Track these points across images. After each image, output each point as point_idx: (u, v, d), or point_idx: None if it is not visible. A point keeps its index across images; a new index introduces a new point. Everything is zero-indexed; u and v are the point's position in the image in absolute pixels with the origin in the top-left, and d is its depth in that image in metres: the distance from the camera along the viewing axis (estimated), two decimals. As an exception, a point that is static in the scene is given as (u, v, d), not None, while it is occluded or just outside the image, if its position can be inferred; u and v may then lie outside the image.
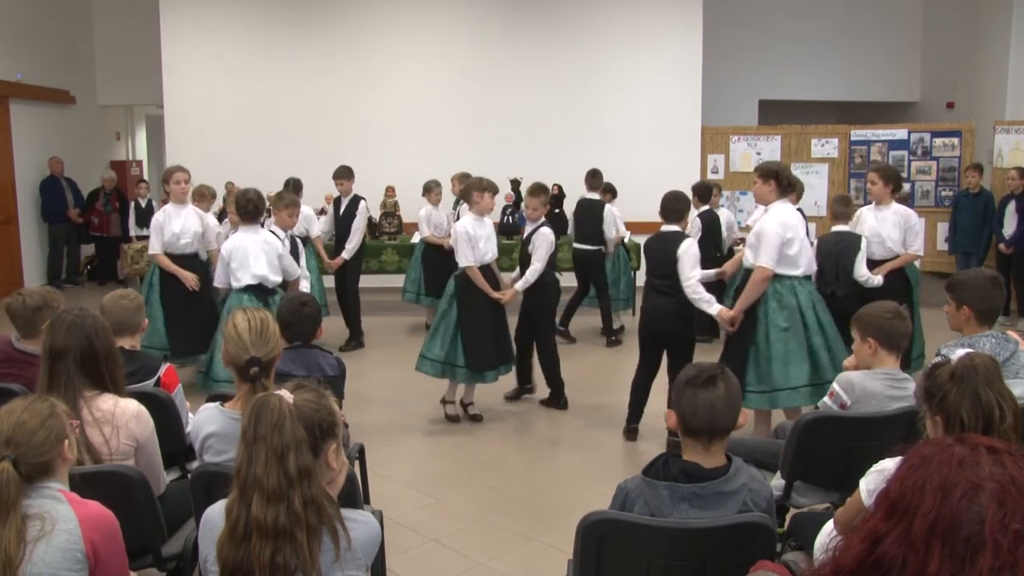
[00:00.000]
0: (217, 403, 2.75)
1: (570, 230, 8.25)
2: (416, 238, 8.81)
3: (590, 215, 7.94)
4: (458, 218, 8.17)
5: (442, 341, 5.56)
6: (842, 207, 5.76)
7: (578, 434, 5.51)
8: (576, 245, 8.05)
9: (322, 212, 8.76)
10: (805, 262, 4.78)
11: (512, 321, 5.89)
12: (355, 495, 2.58)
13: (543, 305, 5.89)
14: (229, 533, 1.83)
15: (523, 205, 5.85)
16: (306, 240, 7.41)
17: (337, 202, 8.00)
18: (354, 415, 5.59)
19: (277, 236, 5.60)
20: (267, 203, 6.15)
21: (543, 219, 5.85)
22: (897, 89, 12.62)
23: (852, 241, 5.49)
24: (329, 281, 8.12)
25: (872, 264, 5.65)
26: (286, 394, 1.91)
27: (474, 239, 5.54)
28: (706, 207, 7.65)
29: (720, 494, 2.15)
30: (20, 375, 3.33)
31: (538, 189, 5.83)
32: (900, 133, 10.58)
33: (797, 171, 10.59)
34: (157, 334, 6.12)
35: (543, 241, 5.74)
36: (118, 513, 2.11)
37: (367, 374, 6.93)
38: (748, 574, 1.93)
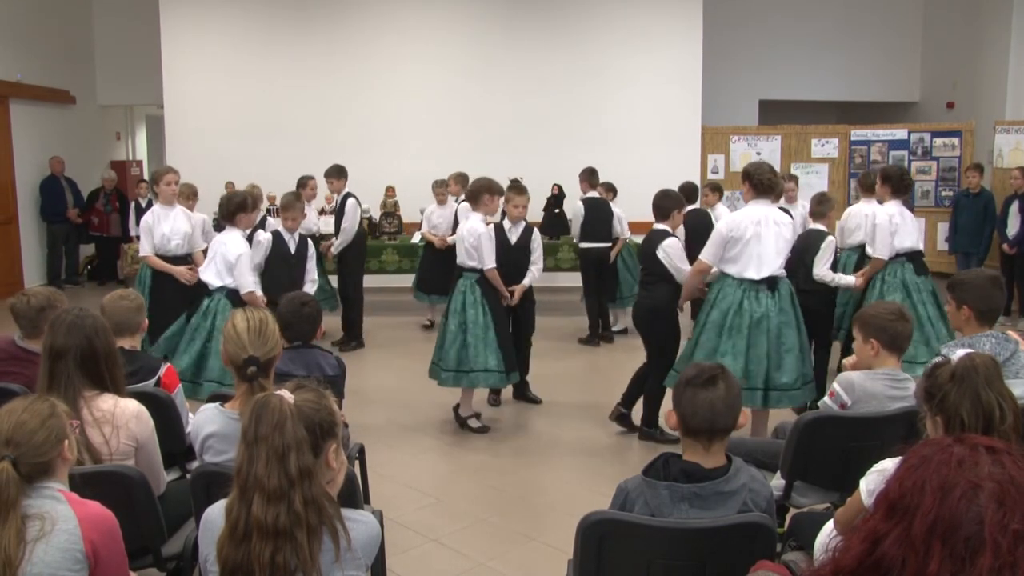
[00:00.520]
0: (217, 403, 2.75)
1: (573, 229, 8.23)
2: (416, 237, 8.83)
3: (600, 214, 7.95)
4: (456, 218, 8.19)
5: (491, 349, 5.33)
6: (816, 205, 5.79)
7: (577, 434, 5.51)
8: (586, 244, 8.01)
9: (322, 212, 8.77)
10: (756, 264, 4.73)
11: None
12: (355, 495, 2.58)
13: (531, 305, 5.91)
14: (229, 533, 1.83)
15: (508, 204, 5.68)
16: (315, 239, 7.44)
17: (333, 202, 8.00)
18: (354, 415, 5.58)
19: (281, 237, 5.62)
20: (263, 203, 6.20)
21: (524, 219, 5.80)
22: (897, 89, 12.62)
23: (815, 239, 5.48)
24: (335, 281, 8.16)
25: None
26: (286, 394, 1.91)
27: (493, 241, 5.45)
28: (692, 207, 7.73)
29: (720, 494, 2.15)
30: (23, 373, 3.34)
31: (524, 188, 5.81)
32: (900, 133, 10.59)
33: (797, 171, 10.61)
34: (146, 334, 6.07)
35: (540, 242, 5.82)
36: (118, 513, 2.11)
37: (367, 374, 6.93)
38: (748, 574, 1.93)
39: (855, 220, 6.59)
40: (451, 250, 8.21)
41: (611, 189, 8.43)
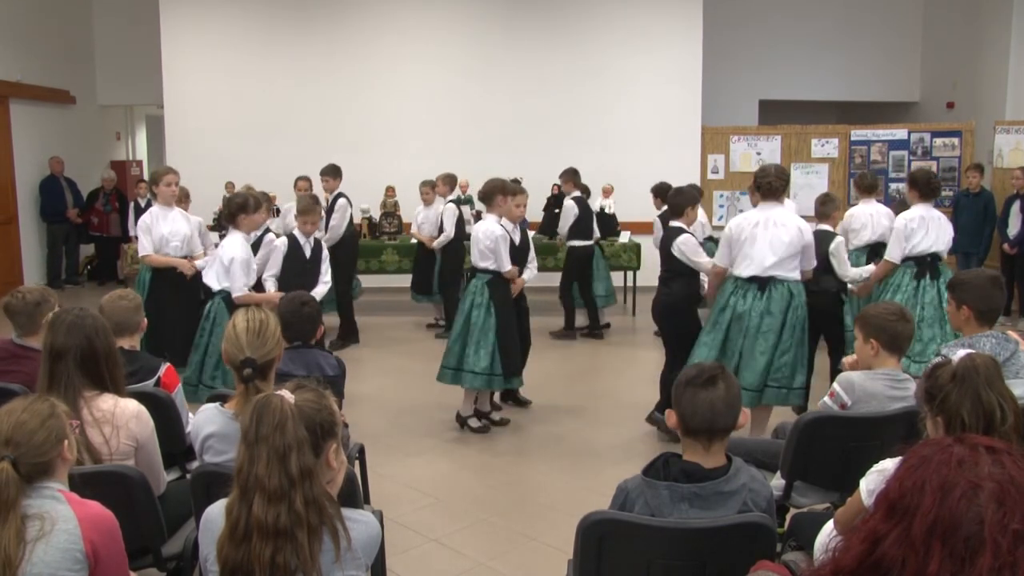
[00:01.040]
0: (217, 403, 2.75)
1: (563, 228, 8.29)
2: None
3: (587, 213, 8.24)
4: (460, 217, 8.20)
5: (485, 351, 5.35)
6: (820, 206, 5.84)
7: (578, 434, 5.51)
8: (576, 243, 8.17)
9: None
10: (747, 263, 4.82)
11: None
12: (355, 495, 2.58)
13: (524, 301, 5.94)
14: (229, 533, 1.83)
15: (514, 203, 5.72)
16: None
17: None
18: (354, 415, 5.59)
19: (297, 241, 5.61)
20: (263, 203, 6.16)
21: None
22: (897, 89, 12.62)
23: (822, 240, 5.49)
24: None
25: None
26: (287, 394, 1.91)
27: (508, 242, 5.42)
28: (664, 209, 7.82)
29: (720, 494, 2.15)
30: (21, 371, 3.35)
31: (523, 188, 5.81)
32: (900, 133, 10.58)
33: (797, 171, 10.62)
34: (144, 338, 5.91)
35: (530, 240, 5.92)
36: (118, 513, 2.11)
37: (367, 374, 6.93)
38: (748, 574, 1.93)
39: (859, 220, 6.63)
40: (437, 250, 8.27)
41: (586, 190, 8.62)
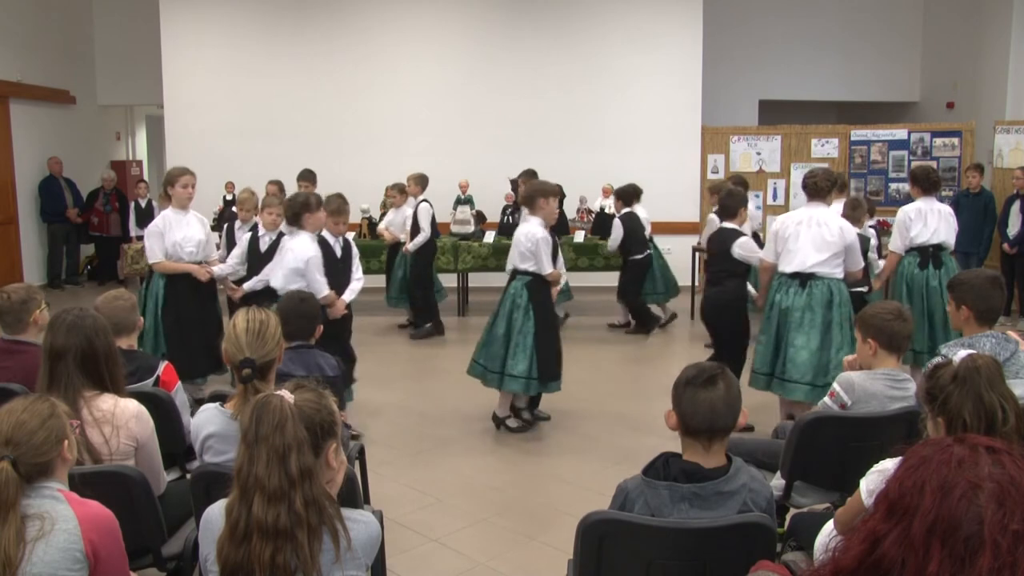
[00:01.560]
0: (217, 403, 2.75)
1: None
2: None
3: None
4: (416, 219, 8.10)
5: (523, 354, 5.28)
6: (851, 211, 5.97)
7: (578, 434, 5.51)
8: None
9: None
10: (789, 259, 5.04)
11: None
12: (355, 495, 2.58)
13: None
14: (229, 533, 1.83)
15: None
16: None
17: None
18: (354, 415, 5.59)
19: (327, 242, 5.47)
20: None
21: None
22: (897, 89, 12.62)
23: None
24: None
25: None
26: (286, 394, 1.91)
27: (550, 245, 5.37)
28: (628, 209, 8.08)
29: (720, 494, 2.15)
30: (14, 365, 3.35)
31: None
32: (900, 133, 10.58)
33: (797, 171, 10.63)
34: (161, 351, 5.56)
35: None
36: (118, 513, 2.11)
37: (367, 374, 6.92)
38: (748, 574, 1.92)
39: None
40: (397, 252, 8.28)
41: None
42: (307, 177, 7.96)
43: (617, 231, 8.21)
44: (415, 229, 8.12)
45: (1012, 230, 8.55)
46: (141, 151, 15.19)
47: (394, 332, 8.52)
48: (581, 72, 10.84)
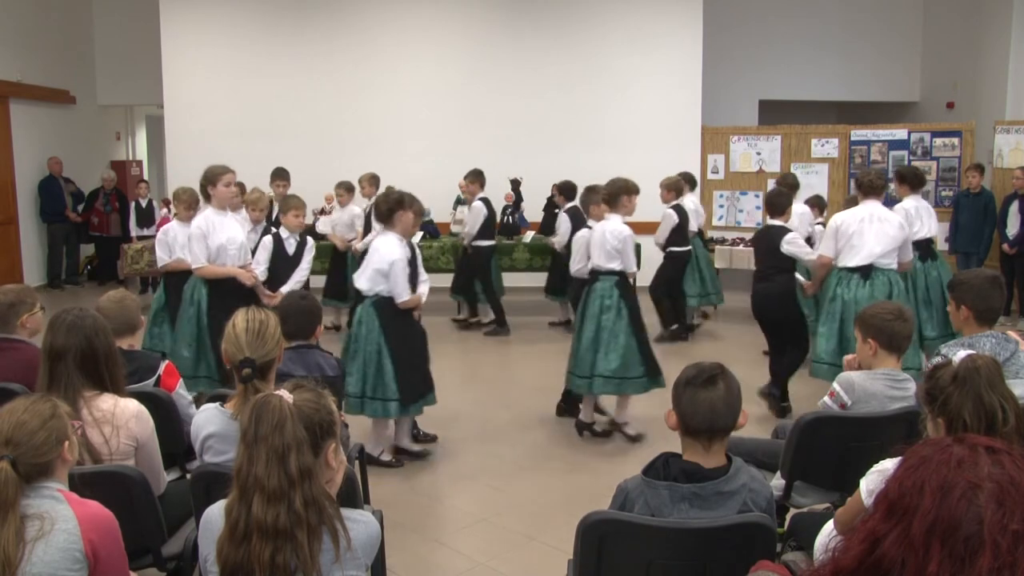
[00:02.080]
0: (217, 403, 2.75)
1: (472, 229, 8.35)
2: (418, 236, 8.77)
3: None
4: (368, 221, 7.95)
5: (615, 354, 5.18)
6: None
7: (577, 434, 5.50)
8: (482, 243, 8.43)
9: (322, 212, 8.76)
10: (853, 254, 5.32)
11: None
12: (355, 495, 2.58)
13: None
14: (229, 533, 1.83)
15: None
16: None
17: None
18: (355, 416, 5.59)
19: (281, 238, 5.46)
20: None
21: None
22: (897, 89, 12.61)
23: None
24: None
25: None
26: (286, 394, 1.91)
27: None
28: (572, 204, 7.97)
29: (720, 494, 2.15)
30: (3, 363, 3.33)
31: None
32: (900, 133, 10.58)
33: (797, 171, 10.61)
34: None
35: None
36: (118, 513, 2.11)
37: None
38: (748, 574, 1.92)
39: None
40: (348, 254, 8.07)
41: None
42: (281, 175, 7.87)
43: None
44: (369, 229, 7.82)
45: (1011, 230, 8.55)
46: (141, 151, 15.20)
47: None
48: (581, 72, 10.84)
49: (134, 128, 14.77)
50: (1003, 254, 8.68)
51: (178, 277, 5.71)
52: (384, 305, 4.80)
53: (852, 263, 5.30)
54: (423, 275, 5.11)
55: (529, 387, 6.17)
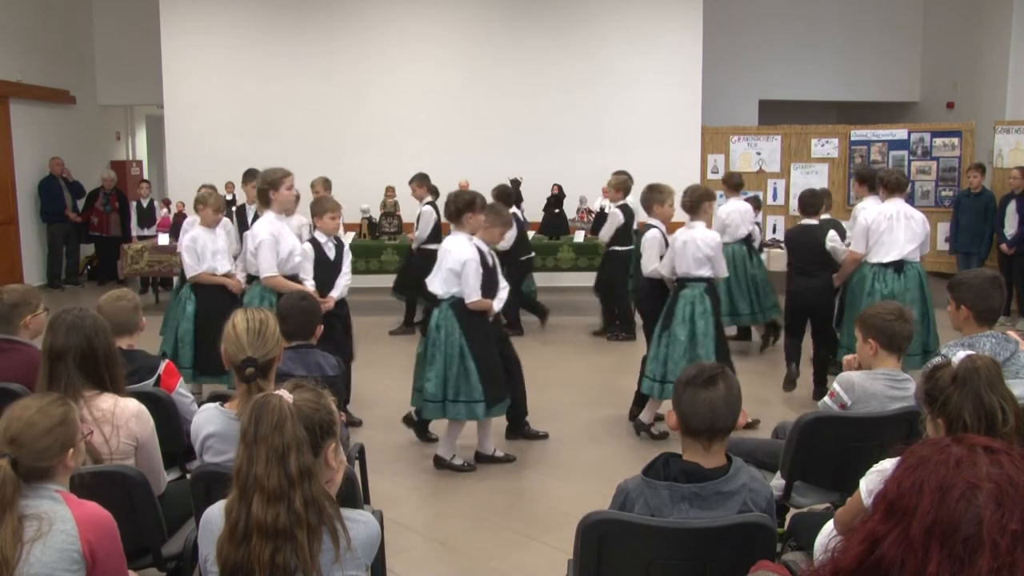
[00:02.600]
0: (217, 403, 2.75)
1: (421, 233, 8.20)
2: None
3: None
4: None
5: (707, 354, 5.16)
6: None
7: (578, 434, 5.51)
8: (431, 246, 8.17)
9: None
10: (886, 250, 5.70)
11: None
12: (355, 495, 2.58)
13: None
14: (229, 533, 1.83)
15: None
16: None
17: (242, 211, 7.14)
18: (354, 415, 5.59)
19: (319, 242, 5.17)
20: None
21: None
22: (897, 89, 12.62)
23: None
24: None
25: None
26: (285, 394, 1.91)
27: None
28: (514, 209, 7.82)
29: (720, 494, 2.15)
30: (3, 364, 3.34)
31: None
32: (900, 133, 10.58)
33: (797, 171, 10.62)
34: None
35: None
36: (118, 513, 2.11)
37: (367, 374, 6.92)
38: (748, 574, 1.93)
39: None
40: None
41: (435, 191, 8.53)
42: (255, 177, 7.81)
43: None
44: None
45: (1009, 230, 8.54)
46: (141, 151, 15.20)
47: (379, 327, 8.52)
48: (581, 72, 10.84)
49: (134, 128, 14.77)
50: (1002, 254, 8.68)
51: (208, 289, 5.57)
52: (462, 306, 4.69)
53: (887, 259, 5.68)
54: (503, 282, 4.96)
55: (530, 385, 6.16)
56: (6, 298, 3.46)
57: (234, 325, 2.68)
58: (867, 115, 12.23)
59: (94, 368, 2.79)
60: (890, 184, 5.86)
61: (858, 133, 10.72)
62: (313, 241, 5.43)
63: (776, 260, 8.13)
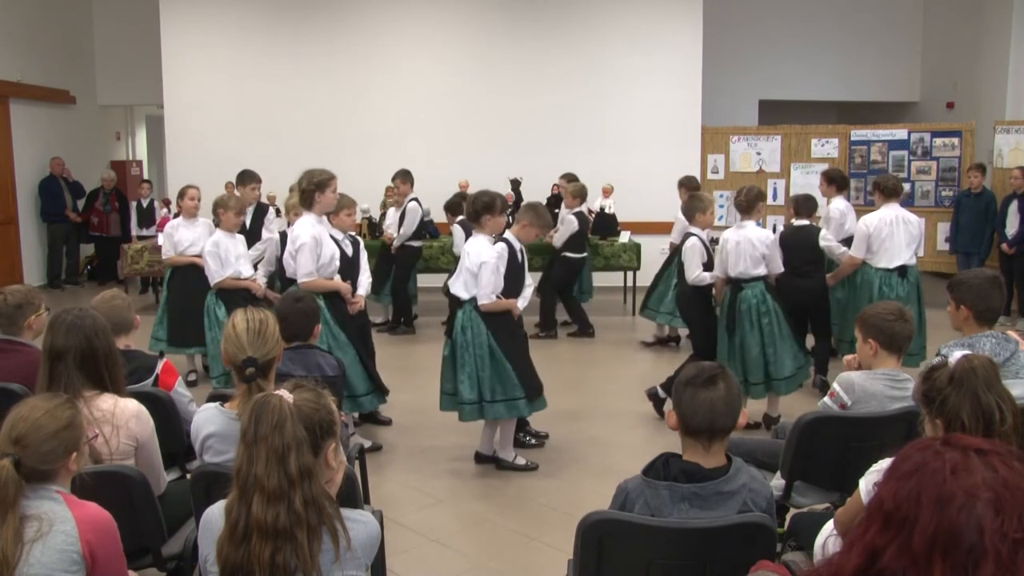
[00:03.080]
0: (217, 403, 2.75)
1: (406, 231, 8.31)
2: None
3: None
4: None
5: (788, 356, 5.38)
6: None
7: (577, 433, 5.51)
8: (415, 243, 8.54)
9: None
10: (890, 256, 5.89)
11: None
12: (355, 495, 2.58)
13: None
14: (229, 533, 1.83)
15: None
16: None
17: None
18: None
19: (335, 239, 5.08)
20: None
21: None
22: (897, 89, 12.62)
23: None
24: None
25: None
26: (285, 394, 1.91)
27: None
28: (461, 217, 7.70)
29: (720, 494, 2.15)
30: (5, 364, 3.34)
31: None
32: (900, 133, 10.58)
33: (797, 171, 10.62)
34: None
35: None
36: (118, 513, 2.11)
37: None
38: (748, 574, 1.92)
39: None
40: None
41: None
42: (253, 178, 7.77)
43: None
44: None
45: (1010, 230, 8.55)
46: (141, 151, 15.21)
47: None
48: (581, 72, 10.84)
49: (134, 128, 14.77)
50: (1002, 254, 8.68)
51: (235, 294, 5.63)
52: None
53: (892, 264, 5.87)
54: (528, 279, 4.88)
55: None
56: (10, 299, 3.46)
57: (234, 325, 2.68)
58: (867, 115, 12.23)
59: (94, 368, 2.79)
60: (888, 189, 5.99)
61: (858, 133, 10.72)
62: (333, 240, 5.27)
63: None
